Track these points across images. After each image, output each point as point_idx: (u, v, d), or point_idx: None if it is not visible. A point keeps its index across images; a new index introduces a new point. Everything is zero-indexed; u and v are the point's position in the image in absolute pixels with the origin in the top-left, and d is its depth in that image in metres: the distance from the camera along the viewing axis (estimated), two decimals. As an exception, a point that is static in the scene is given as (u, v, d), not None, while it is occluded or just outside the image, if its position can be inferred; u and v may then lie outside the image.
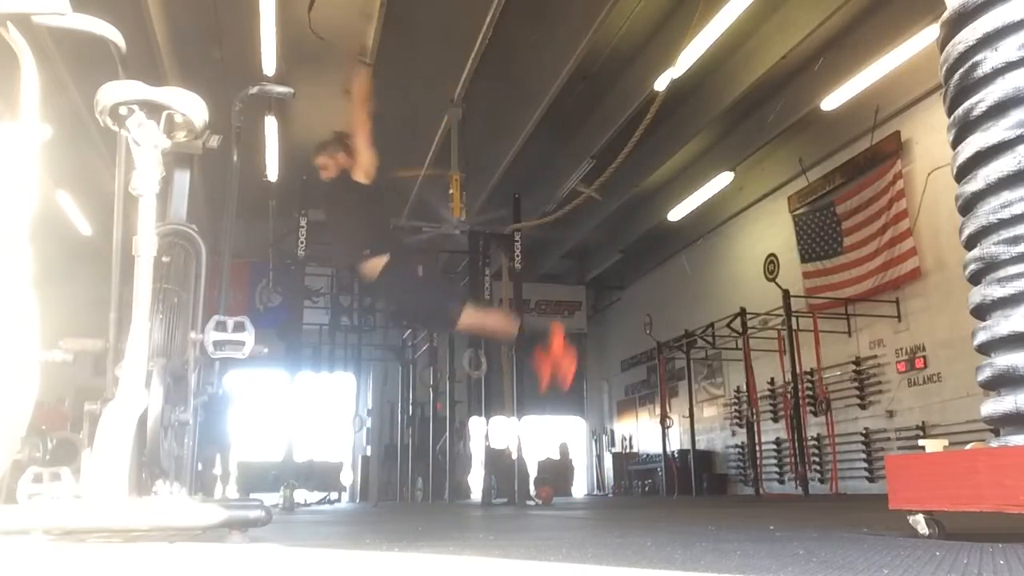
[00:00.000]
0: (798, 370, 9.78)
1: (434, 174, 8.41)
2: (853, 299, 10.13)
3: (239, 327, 2.49)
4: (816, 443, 10.48)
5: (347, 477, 13.21)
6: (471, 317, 4.35)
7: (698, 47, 8.28)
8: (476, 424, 10.30)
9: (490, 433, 8.85)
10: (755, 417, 11.03)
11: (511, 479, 8.28)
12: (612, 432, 17.65)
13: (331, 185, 4.43)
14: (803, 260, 11.18)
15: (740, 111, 10.44)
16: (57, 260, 8.77)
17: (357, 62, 4.34)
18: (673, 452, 13.35)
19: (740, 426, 12.33)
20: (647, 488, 14.50)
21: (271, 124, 9.37)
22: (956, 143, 2.20)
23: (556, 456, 15.22)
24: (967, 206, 2.18)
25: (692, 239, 14.30)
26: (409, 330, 13.00)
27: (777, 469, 11.59)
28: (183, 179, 2.62)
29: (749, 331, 10.75)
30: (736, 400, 12.73)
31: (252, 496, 7.15)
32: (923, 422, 8.91)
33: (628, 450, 16.56)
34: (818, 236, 10.93)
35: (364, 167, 4.26)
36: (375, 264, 4.15)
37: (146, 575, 1.51)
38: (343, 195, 4.38)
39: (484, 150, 10.20)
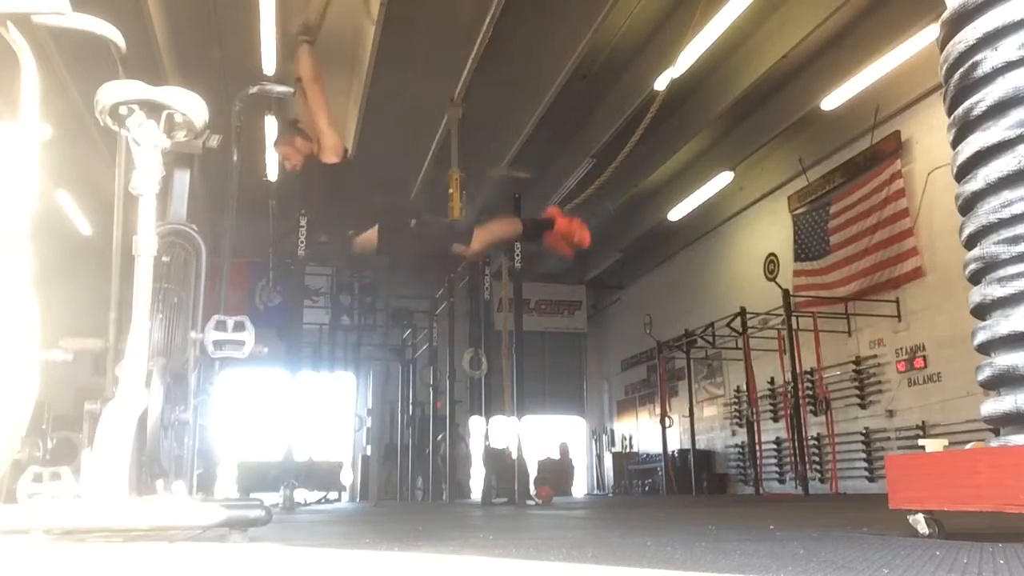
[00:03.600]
0: (798, 370, 9.79)
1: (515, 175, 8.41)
2: (845, 299, 10.18)
3: (239, 327, 2.49)
4: (816, 443, 10.48)
5: (347, 477, 13.20)
6: (480, 238, 4.38)
7: (698, 47, 8.28)
8: (476, 423, 10.30)
9: (490, 433, 8.84)
10: (755, 417, 11.04)
11: (511, 479, 8.27)
12: (612, 432, 17.65)
13: (302, 174, 4.37)
14: (795, 260, 11.22)
15: (740, 111, 10.44)
16: (57, 260, 8.77)
17: (299, 42, 4.30)
18: (673, 452, 13.35)
19: (740, 426, 12.33)
20: (647, 488, 14.50)
21: (271, 124, 9.37)
22: (956, 143, 2.20)
23: (556, 456, 15.22)
24: (967, 206, 2.18)
25: (692, 239, 14.31)
26: (409, 329, 13.01)
27: (777, 469, 11.59)
28: (183, 179, 2.62)
29: (749, 331, 10.75)
30: (736, 400, 12.73)
31: (252, 496, 7.14)
32: (923, 422, 8.91)
33: (628, 450, 16.56)
34: (810, 236, 10.96)
35: (331, 146, 4.18)
36: (367, 239, 4.13)
37: (146, 575, 1.51)
38: (316, 181, 4.33)
39: (484, 150, 10.20)
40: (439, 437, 10.94)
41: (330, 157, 4.16)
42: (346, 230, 4.20)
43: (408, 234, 4.32)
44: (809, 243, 10.98)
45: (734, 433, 12.94)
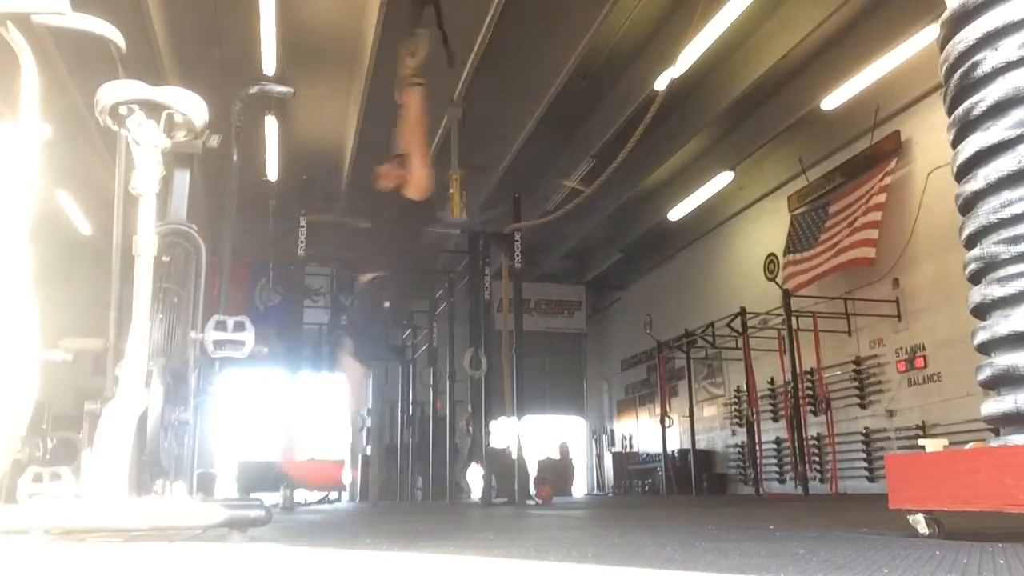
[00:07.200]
0: (798, 370, 9.78)
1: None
2: (808, 283, 10.42)
3: (239, 327, 2.49)
4: (816, 443, 10.48)
5: (347, 476, 13.19)
6: (349, 373, 4.56)
7: (698, 46, 8.27)
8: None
9: (490, 433, 8.85)
10: (755, 417, 11.03)
11: (511, 479, 8.27)
12: (612, 432, 17.65)
13: (381, 193, 4.57)
14: (785, 253, 11.30)
15: (740, 111, 10.44)
16: (57, 260, 8.77)
17: (411, 84, 4.49)
18: (673, 452, 13.35)
19: (740, 426, 12.33)
20: (647, 488, 14.50)
21: (271, 124, 9.37)
22: (956, 143, 2.20)
23: (556, 456, 15.21)
24: (967, 205, 2.18)
25: (692, 239, 14.31)
26: (409, 329, 13.01)
27: (777, 469, 11.59)
28: (183, 179, 2.62)
29: (749, 331, 10.75)
30: (736, 400, 12.73)
31: (252, 495, 7.14)
32: (923, 422, 8.91)
33: (628, 450, 16.56)
34: (803, 232, 11.01)
35: (418, 183, 4.40)
36: (364, 281, 4.28)
37: (146, 575, 1.51)
38: (392, 205, 4.51)
39: (484, 150, 10.20)
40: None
41: (413, 193, 4.35)
42: (385, 256, 4.40)
43: (376, 306, 4.50)
44: (802, 238, 11.06)
45: (734, 433, 12.94)
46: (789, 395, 10.01)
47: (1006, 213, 2.00)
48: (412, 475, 12.30)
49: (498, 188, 11.00)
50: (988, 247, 2.06)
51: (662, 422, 12.73)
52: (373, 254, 4.58)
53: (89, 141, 8.43)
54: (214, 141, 2.57)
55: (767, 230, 12.32)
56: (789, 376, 9.85)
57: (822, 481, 10.18)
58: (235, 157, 3.39)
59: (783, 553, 1.74)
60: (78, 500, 1.89)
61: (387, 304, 4.52)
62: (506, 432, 8.89)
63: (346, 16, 7.94)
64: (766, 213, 12.36)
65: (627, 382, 17.07)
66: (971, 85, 2.10)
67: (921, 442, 2.21)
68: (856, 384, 10.11)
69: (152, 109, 2.13)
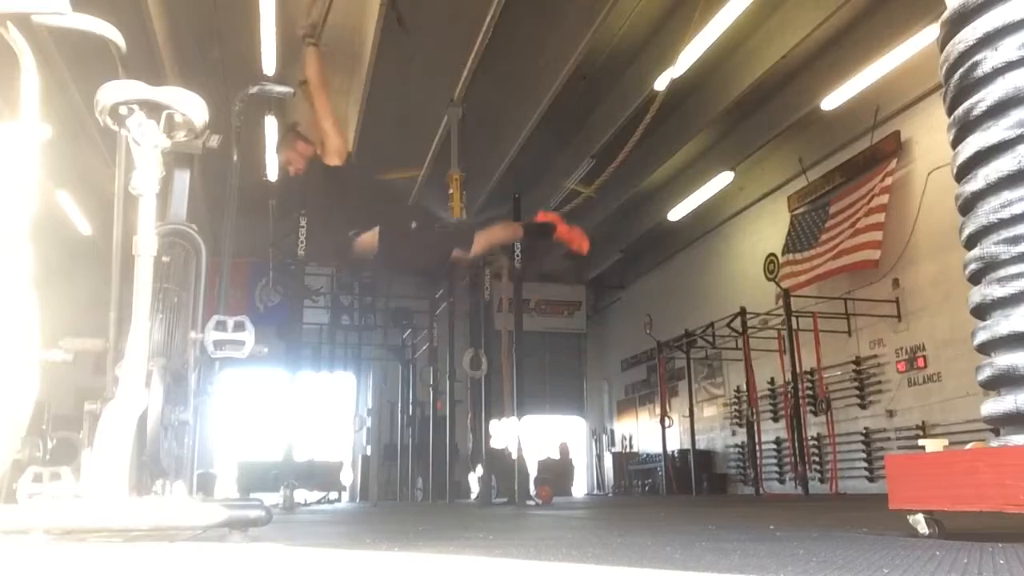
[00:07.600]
0: (798, 370, 9.79)
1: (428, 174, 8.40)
2: (807, 283, 10.47)
3: (239, 327, 2.49)
4: (816, 443, 10.48)
5: (347, 477, 13.20)
6: (480, 243, 4.39)
7: (698, 47, 8.28)
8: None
9: (490, 433, 8.85)
10: (755, 417, 11.04)
11: (511, 479, 8.27)
12: (612, 432, 17.65)
13: (305, 177, 4.41)
14: (783, 253, 11.31)
15: (740, 111, 10.45)
16: (57, 260, 8.78)
17: (305, 44, 4.31)
18: (673, 452, 13.35)
19: (740, 426, 12.33)
20: (647, 488, 14.50)
21: (271, 124, 9.37)
22: (956, 143, 2.20)
23: (556, 456, 15.22)
24: (967, 206, 2.18)
25: (692, 239, 14.31)
26: (409, 330, 13.01)
27: (777, 469, 11.59)
28: (183, 179, 2.62)
29: (749, 331, 10.75)
30: (736, 400, 12.73)
31: (252, 496, 7.14)
32: (923, 422, 8.91)
33: (628, 450, 16.57)
34: (803, 232, 11.03)
35: (335, 149, 4.21)
36: (368, 241, 4.15)
37: (146, 575, 1.51)
38: (318, 182, 4.37)
39: (484, 150, 10.20)
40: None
41: (333, 159, 4.19)
42: (346, 231, 4.19)
43: (409, 238, 4.31)
44: (801, 238, 11.08)
45: (734, 433, 12.94)
46: (789, 395, 10.01)
47: (1006, 213, 2.00)
48: (412, 475, 12.30)
49: (498, 188, 11.01)
50: (988, 247, 2.06)
51: (662, 422, 12.73)
52: (341, 227, 4.37)
53: (89, 141, 8.44)
54: (214, 141, 2.57)
55: (767, 230, 12.33)
56: (789, 376, 9.85)
57: (822, 481, 10.19)
58: (235, 157, 3.39)
59: (783, 553, 1.74)
60: (78, 500, 1.89)
61: (414, 225, 4.37)
62: (506, 432, 8.89)
63: (346, 16, 7.94)
64: (766, 213, 12.37)
65: (627, 382, 17.07)
66: (971, 85, 2.10)
67: (921, 442, 2.21)
68: (856, 384, 10.11)
69: (152, 109, 2.13)
